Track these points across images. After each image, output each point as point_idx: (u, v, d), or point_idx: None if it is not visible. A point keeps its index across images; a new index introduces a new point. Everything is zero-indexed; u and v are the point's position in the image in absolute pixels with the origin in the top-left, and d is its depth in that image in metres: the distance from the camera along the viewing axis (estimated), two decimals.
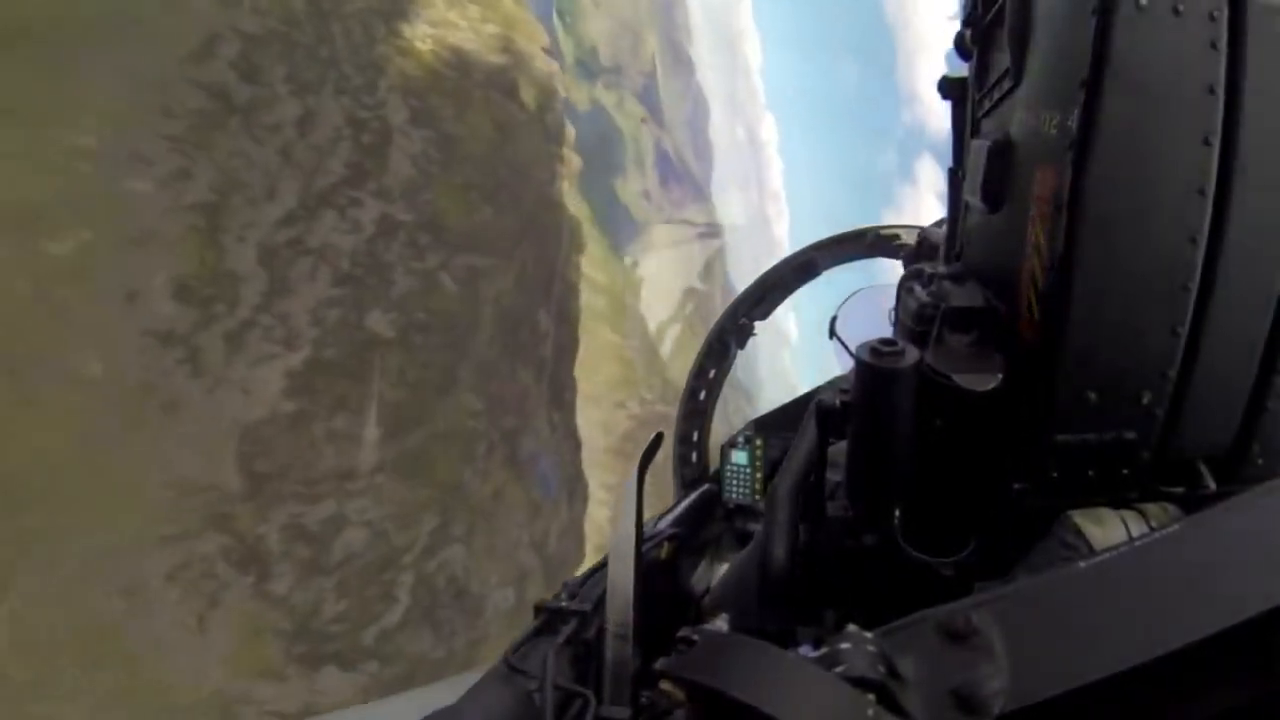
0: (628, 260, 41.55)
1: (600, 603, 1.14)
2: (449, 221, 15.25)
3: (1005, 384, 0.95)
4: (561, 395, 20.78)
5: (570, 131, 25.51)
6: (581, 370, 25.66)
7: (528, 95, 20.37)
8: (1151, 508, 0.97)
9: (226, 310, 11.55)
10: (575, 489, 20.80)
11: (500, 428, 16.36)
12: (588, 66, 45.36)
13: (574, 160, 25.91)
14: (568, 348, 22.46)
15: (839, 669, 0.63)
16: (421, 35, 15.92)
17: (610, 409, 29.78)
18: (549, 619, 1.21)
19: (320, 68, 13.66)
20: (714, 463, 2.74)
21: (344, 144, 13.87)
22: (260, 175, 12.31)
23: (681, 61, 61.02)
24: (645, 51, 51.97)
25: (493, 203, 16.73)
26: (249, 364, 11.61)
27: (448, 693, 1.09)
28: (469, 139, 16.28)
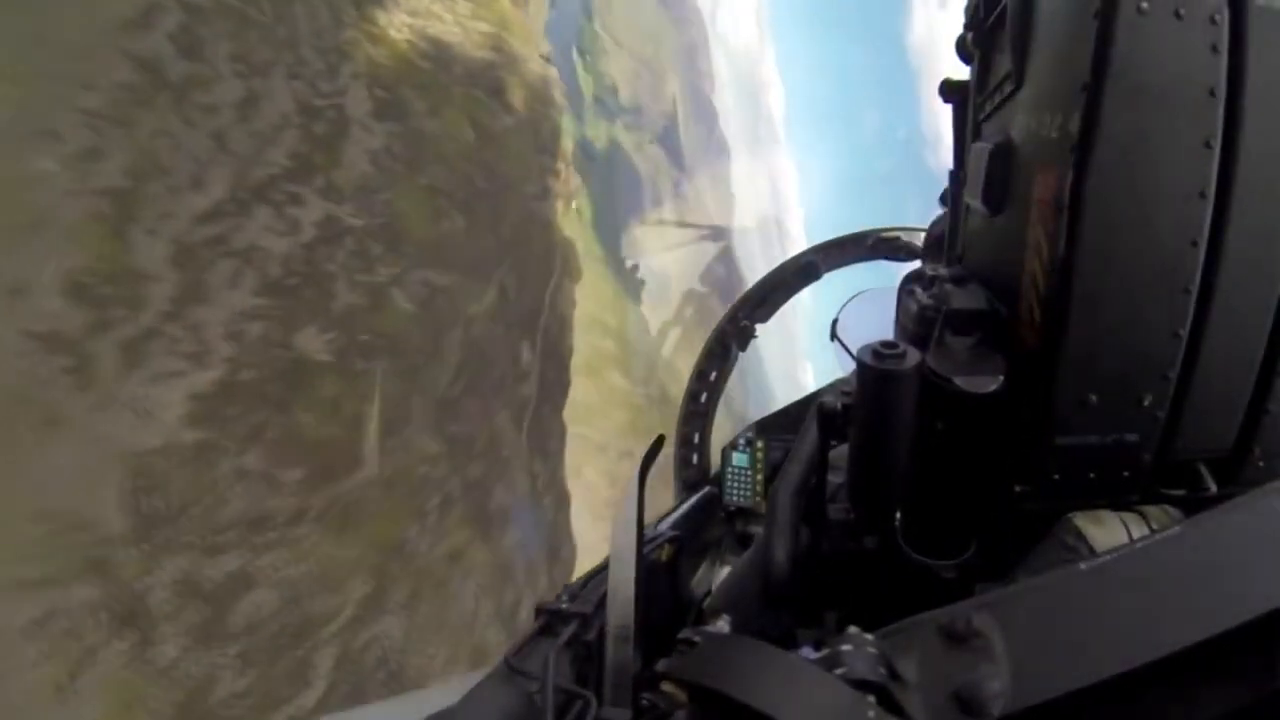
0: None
1: (601, 604, 1.18)
2: (409, 230, 13.25)
3: (1006, 386, 0.99)
4: (546, 444, 19.39)
5: (568, 146, 25.91)
6: (589, 416, 25.15)
7: (517, 98, 19.61)
8: (1152, 510, 1.02)
9: (126, 314, 10.03)
10: (559, 551, 19.31)
11: (463, 477, 14.98)
12: (606, 105, 46.10)
13: (572, 179, 25.81)
14: (556, 389, 21.08)
15: (840, 671, 0.66)
16: (398, 24, 14.20)
17: (617, 458, 29.71)
18: (549, 620, 1.24)
19: (274, 48, 12.79)
20: (715, 465, 2.74)
21: (290, 132, 12.93)
22: (186, 160, 11.08)
23: (703, 107, 60.49)
24: (666, 93, 53.53)
25: (466, 214, 15.09)
26: (147, 381, 10.03)
27: (447, 695, 1.11)
28: (442, 139, 14.61)
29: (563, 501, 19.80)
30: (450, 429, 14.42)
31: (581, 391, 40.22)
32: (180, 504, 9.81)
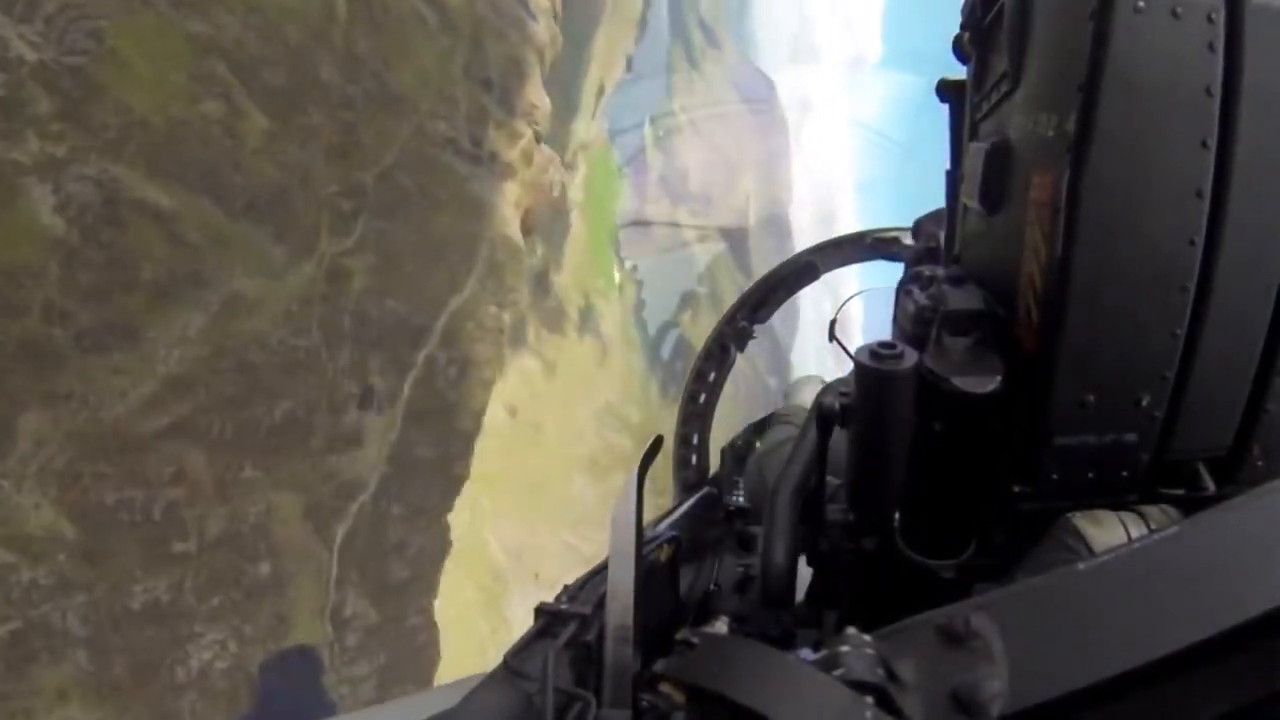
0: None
1: (600, 605, 1.18)
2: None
3: (1004, 387, 1.00)
4: (383, 573, 16.52)
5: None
6: (582, 524, 25.33)
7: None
8: (1151, 510, 1.02)
9: None
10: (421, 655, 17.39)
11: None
12: (672, 186, 44.70)
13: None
14: (434, 480, 18.73)
15: (838, 672, 0.66)
16: None
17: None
18: (549, 621, 1.25)
19: None
20: (715, 466, 2.78)
21: None
22: None
23: (779, 219, 56.15)
24: (739, 191, 52.26)
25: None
26: None
27: (447, 696, 1.13)
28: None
29: (438, 553, 20.28)
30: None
31: (578, 488, 33.43)
32: None
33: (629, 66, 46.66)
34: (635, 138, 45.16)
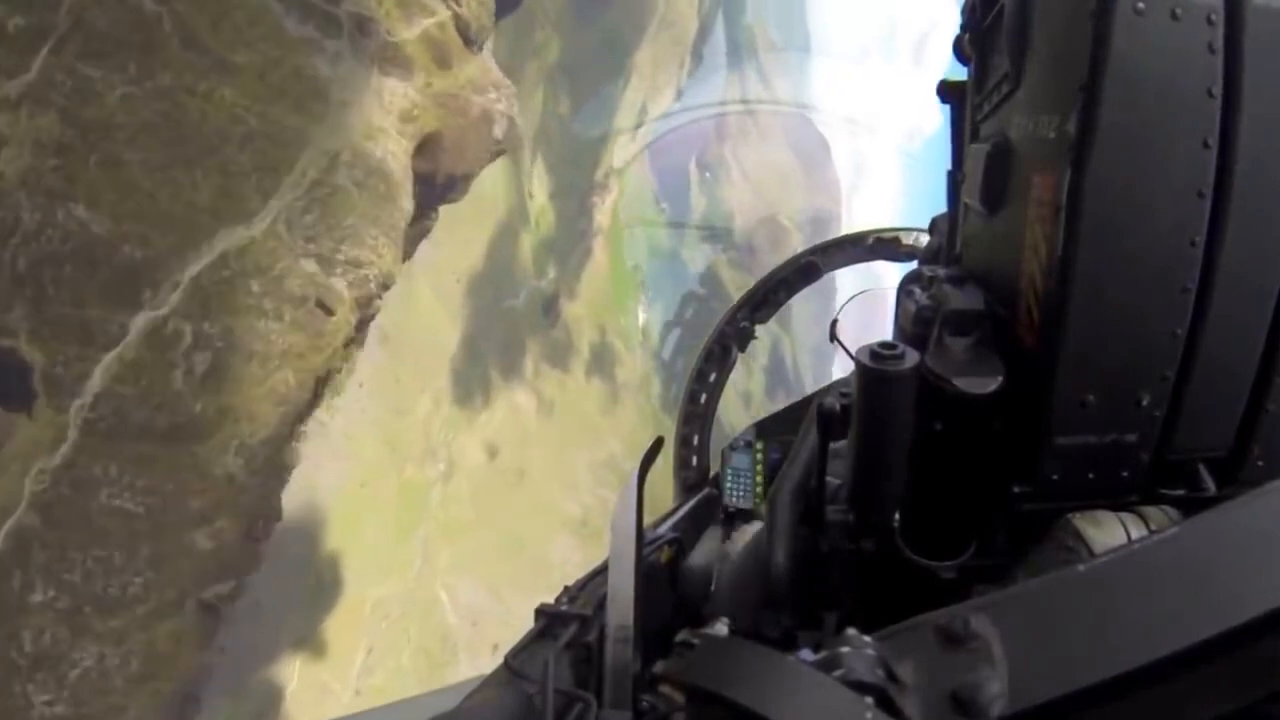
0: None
1: (601, 606, 1.20)
2: None
3: (1005, 387, 1.02)
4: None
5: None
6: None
7: None
8: (1151, 510, 1.04)
9: None
10: None
11: None
12: (715, 231, 42.83)
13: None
14: (206, 444, 11.65)
15: (837, 673, 0.67)
16: None
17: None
18: (549, 622, 1.26)
19: None
20: (715, 466, 2.87)
21: None
22: None
23: (823, 280, 51.48)
24: (786, 246, 47.11)
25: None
26: None
27: (447, 697, 1.15)
28: None
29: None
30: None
31: (561, 550, 27.88)
32: None
33: (679, 96, 43.45)
34: (679, 173, 43.35)
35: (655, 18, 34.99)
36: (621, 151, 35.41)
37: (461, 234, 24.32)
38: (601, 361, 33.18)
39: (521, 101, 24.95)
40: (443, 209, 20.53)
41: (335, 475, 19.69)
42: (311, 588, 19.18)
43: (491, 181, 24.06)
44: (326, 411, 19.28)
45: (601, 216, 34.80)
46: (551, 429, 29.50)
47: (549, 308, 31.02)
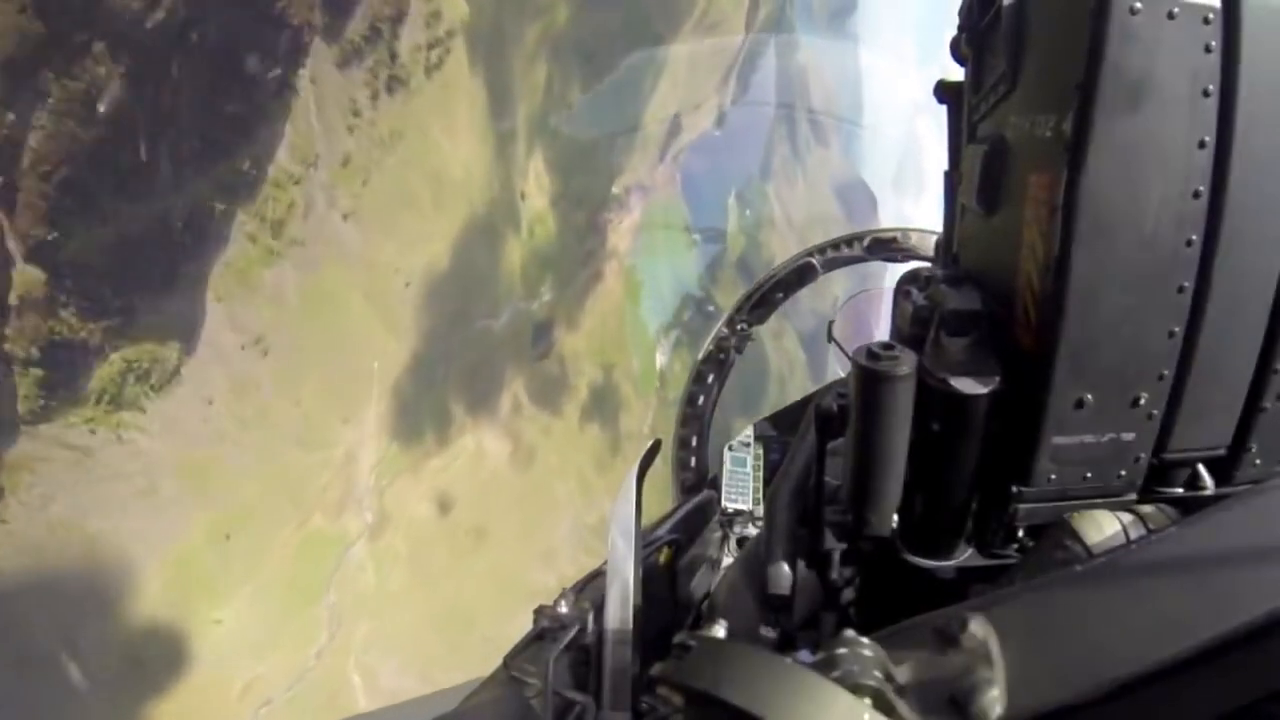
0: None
1: (599, 608, 1.25)
2: None
3: (1002, 387, 1.05)
4: None
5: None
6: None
7: None
8: (1149, 510, 1.07)
9: None
10: None
11: None
12: (748, 266, 36.15)
13: None
14: None
15: (835, 674, 0.69)
16: None
17: None
18: (548, 625, 1.31)
19: None
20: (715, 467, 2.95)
21: None
22: None
23: (866, 332, 46.15)
24: (828, 296, 34.65)
25: None
26: None
27: (448, 699, 1.19)
28: None
29: None
30: None
31: (522, 631, 19.85)
32: None
33: (721, 122, 39.27)
34: (715, 205, 38.99)
35: (694, 11, 30.61)
36: (645, 164, 30.49)
37: (412, 222, 19.52)
38: (603, 405, 28.39)
39: (517, 73, 20.79)
40: (373, 179, 16.08)
41: (153, 521, 14.48)
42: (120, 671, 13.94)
43: (463, 164, 19.53)
44: (107, 424, 15.82)
45: (618, 238, 30.68)
46: (528, 481, 24.59)
47: (540, 335, 26.45)
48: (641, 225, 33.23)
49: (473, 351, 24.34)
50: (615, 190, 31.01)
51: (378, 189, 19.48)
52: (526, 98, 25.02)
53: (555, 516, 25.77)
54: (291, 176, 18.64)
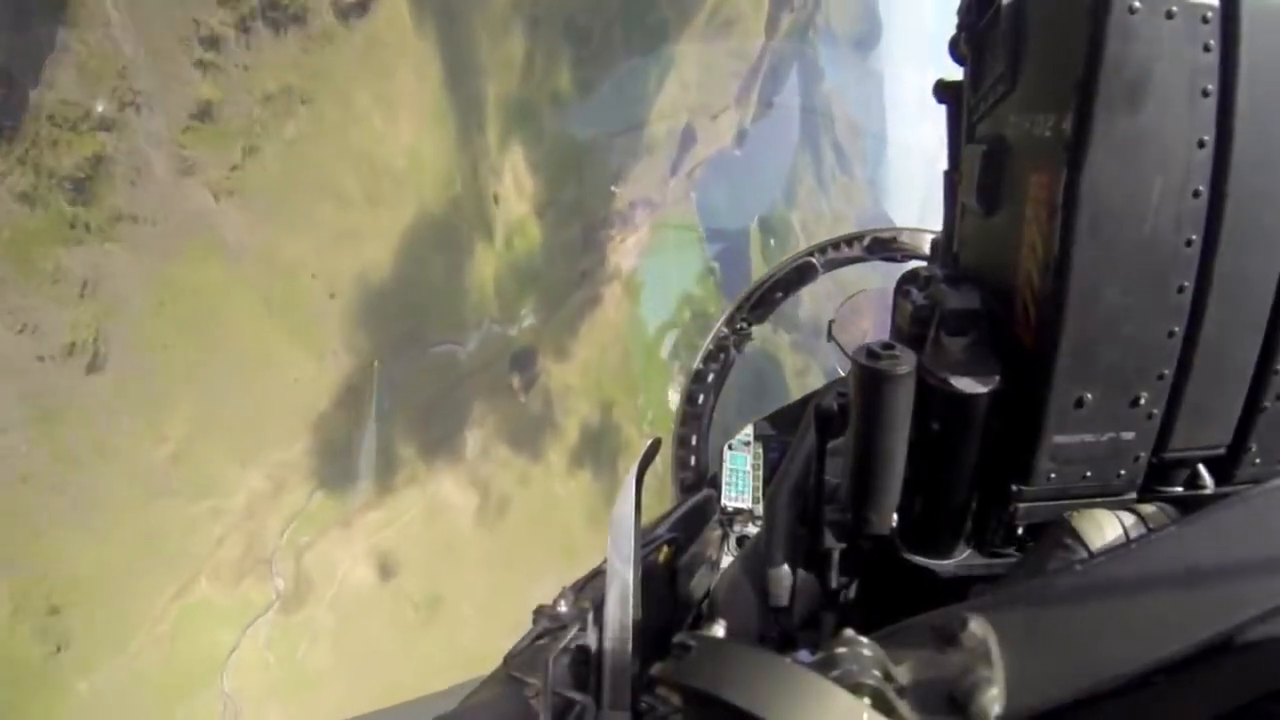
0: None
1: (599, 608, 1.24)
2: None
3: (1002, 386, 1.07)
4: None
5: None
6: None
7: None
8: (1149, 509, 1.09)
9: None
10: None
11: None
12: (779, 309, 26.24)
13: None
14: None
15: (835, 673, 0.69)
16: None
17: None
18: (548, 624, 1.29)
19: None
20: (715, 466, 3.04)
21: None
22: None
23: None
24: (855, 329, 31.19)
25: None
26: None
27: (447, 699, 1.24)
28: None
29: None
30: None
31: None
32: None
33: (740, 141, 37.02)
34: (736, 233, 36.55)
35: (706, 2, 27.43)
36: (652, 175, 26.96)
37: (333, 215, 15.27)
38: (597, 449, 24.78)
39: (483, 43, 16.74)
40: (265, 151, 12.35)
41: None
42: None
43: (407, 150, 15.54)
44: None
45: (620, 257, 26.96)
46: (498, 540, 20.38)
47: (520, 365, 22.51)
48: (650, 246, 30.25)
49: (429, 382, 19.89)
50: (617, 205, 27.87)
51: (272, 165, 14.40)
52: (497, 76, 20.39)
53: (531, 582, 21.56)
54: (89, 116, 12.63)
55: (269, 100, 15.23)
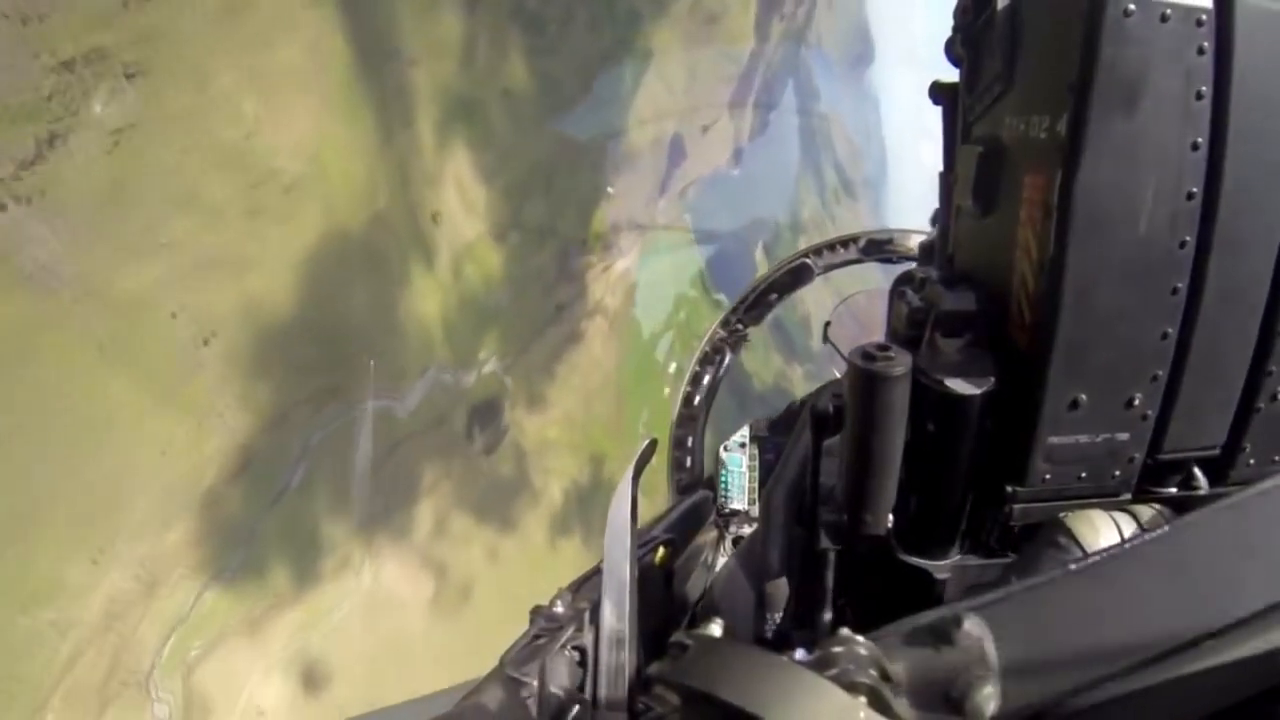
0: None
1: (596, 608, 1.32)
2: None
3: (997, 387, 1.14)
4: None
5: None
6: None
7: None
8: (1143, 509, 1.18)
9: None
10: None
11: None
12: (792, 341, 29.94)
13: None
14: None
15: (831, 672, 0.71)
16: None
17: None
18: (545, 624, 1.34)
19: None
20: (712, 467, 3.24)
21: None
22: None
23: None
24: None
25: None
26: None
27: (443, 700, 1.24)
28: None
29: None
30: None
31: None
32: None
33: (737, 160, 34.71)
34: (740, 256, 33.16)
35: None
36: (637, 192, 23.99)
37: (196, 235, 11.46)
38: (586, 512, 22.07)
39: (405, 16, 12.90)
40: (70, 142, 9.13)
41: None
42: None
43: (303, 150, 11.75)
44: None
45: (604, 290, 23.92)
46: (460, 633, 16.64)
47: (482, 420, 18.93)
48: (642, 275, 26.93)
49: (358, 446, 15.19)
50: (596, 226, 25.22)
51: (87, 162, 10.38)
52: (428, 61, 15.89)
53: None
54: None
55: (64, 68, 10.76)
